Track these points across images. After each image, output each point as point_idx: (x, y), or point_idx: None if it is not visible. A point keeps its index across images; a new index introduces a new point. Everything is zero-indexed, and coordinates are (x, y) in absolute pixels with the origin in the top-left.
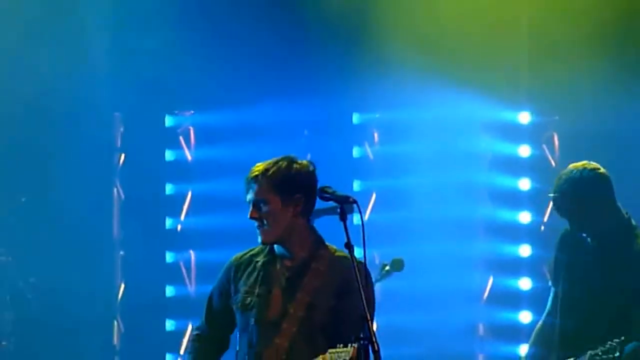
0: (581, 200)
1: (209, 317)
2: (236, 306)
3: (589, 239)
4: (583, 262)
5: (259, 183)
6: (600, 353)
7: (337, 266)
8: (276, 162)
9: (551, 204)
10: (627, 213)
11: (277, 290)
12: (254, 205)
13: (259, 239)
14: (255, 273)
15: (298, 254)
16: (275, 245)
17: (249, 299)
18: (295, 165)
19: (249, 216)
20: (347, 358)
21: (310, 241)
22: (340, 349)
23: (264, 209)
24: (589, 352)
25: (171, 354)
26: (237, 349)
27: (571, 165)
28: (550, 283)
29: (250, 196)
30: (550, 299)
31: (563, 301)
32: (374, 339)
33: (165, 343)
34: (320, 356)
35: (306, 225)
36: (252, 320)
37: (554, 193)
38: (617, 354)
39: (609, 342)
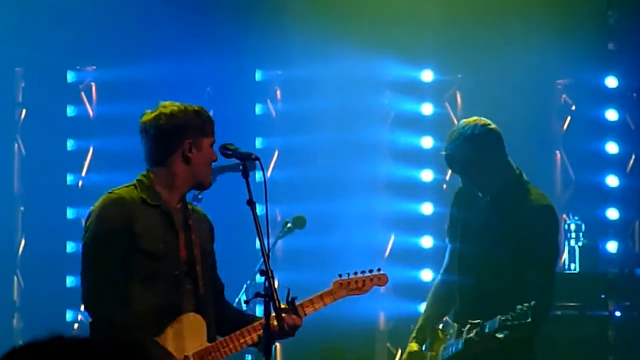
0: (473, 156)
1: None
2: (144, 253)
3: (481, 195)
4: (478, 219)
5: None
6: (510, 318)
7: (202, 217)
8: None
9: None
10: (518, 168)
11: (181, 235)
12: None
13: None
14: (156, 217)
15: (182, 199)
16: (155, 189)
17: (160, 245)
18: None
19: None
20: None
21: None
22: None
23: None
24: (499, 317)
25: (71, 310)
26: (141, 295)
27: (462, 122)
28: (447, 240)
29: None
30: (447, 255)
31: (461, 258)
32: (275, 296)
33: (65, 299)
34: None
35: None
36: (168, 267)
37: (446, 150)
38: (529, 319)
39: (519, 307)
